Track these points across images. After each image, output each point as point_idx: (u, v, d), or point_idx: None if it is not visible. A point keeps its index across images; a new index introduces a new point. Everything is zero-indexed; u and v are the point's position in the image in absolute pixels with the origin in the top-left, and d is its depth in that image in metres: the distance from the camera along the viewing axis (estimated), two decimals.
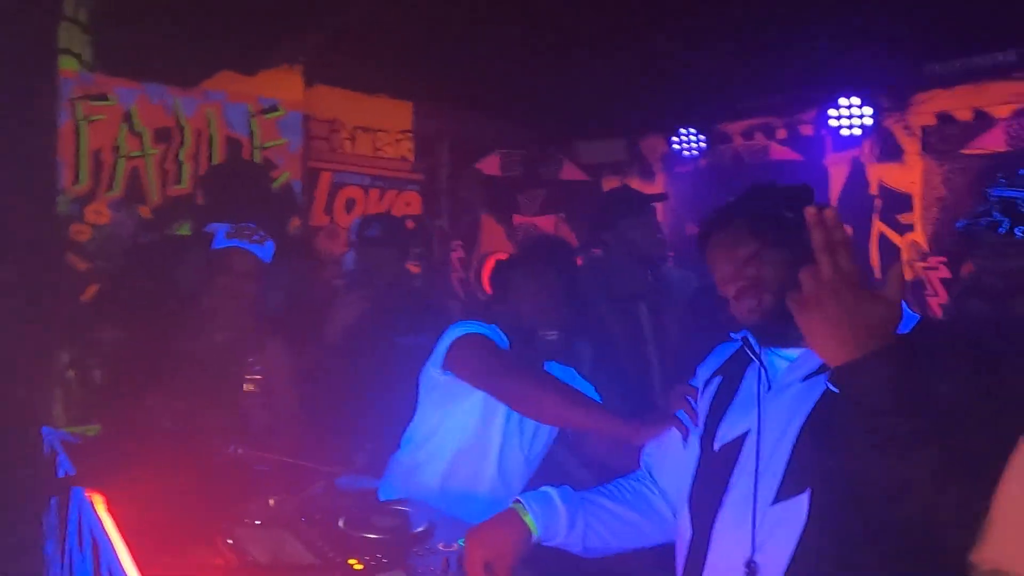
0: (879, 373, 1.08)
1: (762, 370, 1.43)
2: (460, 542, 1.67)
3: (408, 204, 4.90)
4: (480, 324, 2.16)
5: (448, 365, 2.12)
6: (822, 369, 1.29)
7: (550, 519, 1.51)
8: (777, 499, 1.31)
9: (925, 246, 4.14)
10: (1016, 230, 1.74)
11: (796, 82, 4.15)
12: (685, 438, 1.56)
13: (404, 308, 2.95)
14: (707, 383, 1.57)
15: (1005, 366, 1.23)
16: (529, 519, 1.51)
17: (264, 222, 2.71)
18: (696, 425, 1.56)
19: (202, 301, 2.56)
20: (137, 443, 2.19)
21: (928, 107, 3.99)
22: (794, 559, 1.27)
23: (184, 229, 3.85)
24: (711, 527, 1.40)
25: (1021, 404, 1.17)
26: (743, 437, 1.41)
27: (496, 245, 5.29)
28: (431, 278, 5.01)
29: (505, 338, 2.15)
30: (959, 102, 3.90)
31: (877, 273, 4.33)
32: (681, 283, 3.00)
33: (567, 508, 1.53)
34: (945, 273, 4.05)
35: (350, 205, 4.65)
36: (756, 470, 1.36)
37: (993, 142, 3.85)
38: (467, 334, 2.08)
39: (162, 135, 3.82)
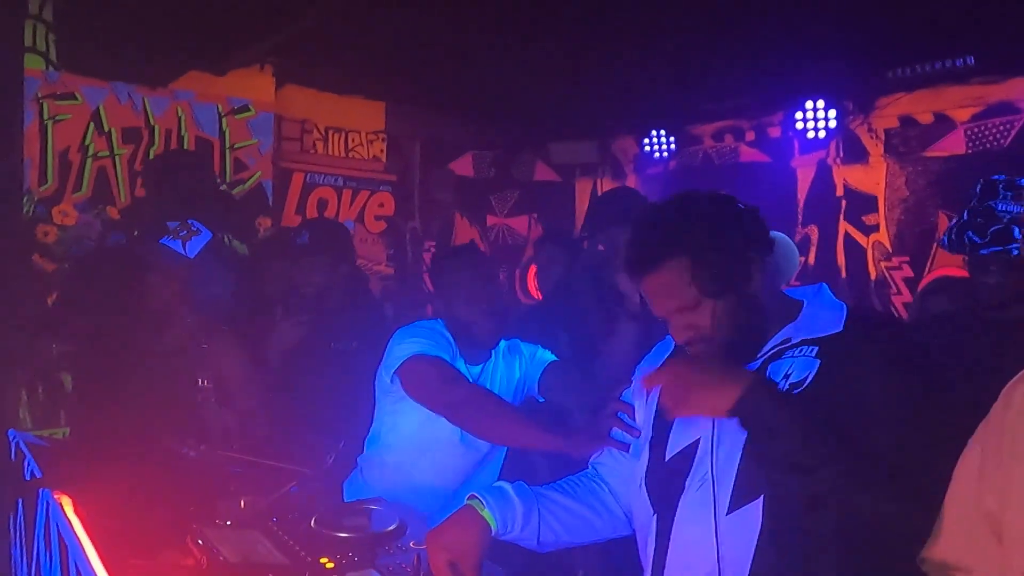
0: (759, 409, 1.23)
1: None
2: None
3: (381, 205, 4.90)
4: (423, 326, 2.21)
5: (401, 383, 2.15)
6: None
7: (506, 513, 1.51)
8: (731, 508, 1.33)
9: (889, 246, 4.23)
10: None
11: (763, 85, 4.21)
12: (627, 450, 1.58)
13: (339, 314, 2.96)
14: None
15: (927, 365, 1.30)
16: (487, 513, 1.51)
17: (208, 214, 2.71)
18: (636, 436, 1.57)
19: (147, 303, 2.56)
20: (104, 446, 2.18)
21: (890, 110, 4.08)
22: (753, 566, 1.31)
23: None
24: (668, 536, 1.42)
25: (945, 404, 1.24)
26: (695, 446, 1.41)
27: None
28: (402, 280, 5.02)
29: (448, 334, 2.20)
30: (920, 106, 3.99)
31: (843, 272, 4.42)
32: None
33: (522, 502, 1.54)
34: (908, 272, 4.14)
35: (322, 206, 4.64)
36: (712, 479, 1.37)
37: (953, 145, 3.94)
38: (418, 356, 2.10)
39: (131, 135, 3.78)
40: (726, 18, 3.38)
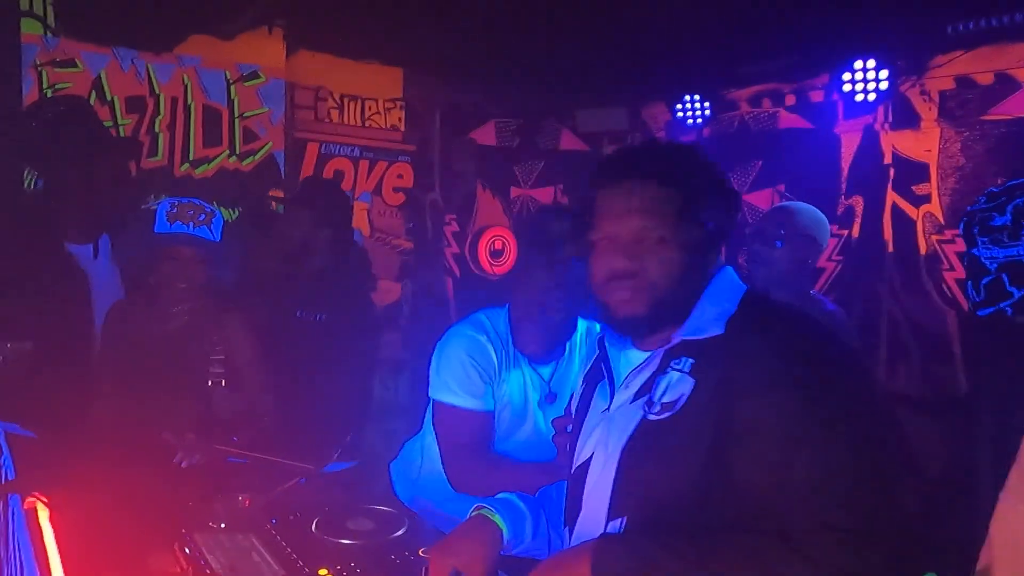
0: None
1: (609, 388, 1.37)
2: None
3: (399, 176, 4.70)
4: (468, 335, 1.94)
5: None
6: (641, 393, 1.30)
7: (517, 522, 1.46)
8: (606, 527, 1.30)
9: (941, 218, 3.94)
10: None
11: (806, 44, 3.92)
12: None
13: (312, 281, 2.81)
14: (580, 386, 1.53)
15: (808, 371, 1.17)
16: (497, 518, 1.44)
17: (101, 171, 2.54)
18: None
19: (144, 285, 2.42)
20: (88, 442, 2.05)
21: (947, 70, 3.76)
22: None
23: None
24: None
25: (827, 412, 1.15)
26: (588, 462, 1.37)
27: (492, 218, 5.09)
28: (422, 254, 4.84)
29: (508, 333, 1.95)
30: (979, 65, 3.66)
31: (889, 247, 4.14)
32: None
33: (530, 511, 1.49)
34: (962, 246, 3.84)
35: (338, 178, 4.45)
36: (593, 497, 1.34)
37: (1017, 107, 3.62)
38: (449, 409, 1.92)
39: (135, 104, 3.61)
40: None
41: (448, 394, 1.92)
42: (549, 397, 1.94)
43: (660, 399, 1.26)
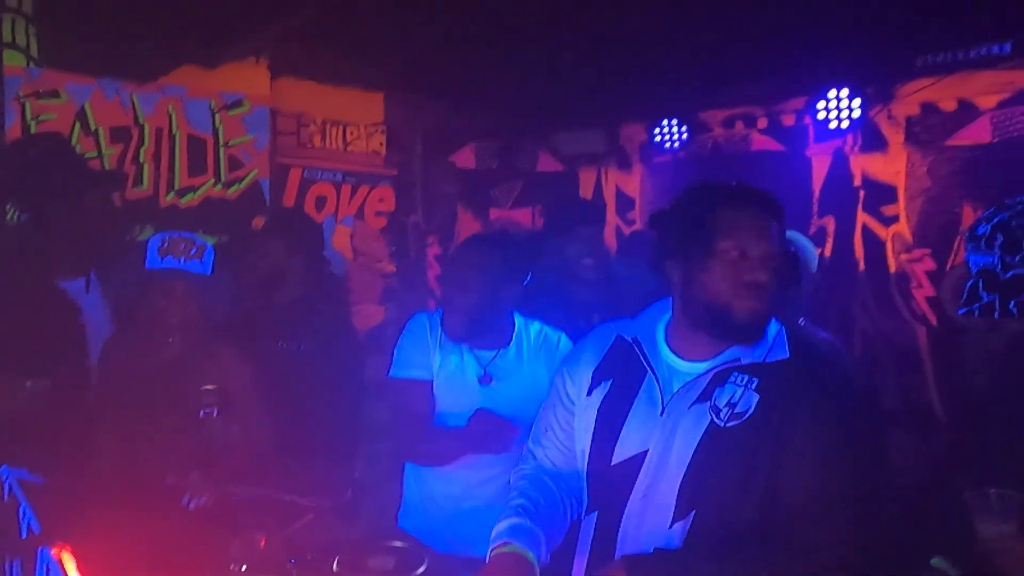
0: None
1: (659, 389, 1.52)
2: None
3: (381, 200, 4.72)
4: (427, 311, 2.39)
5: None
6: (702, 398, 1.48)
7: (537, 548, 1.55)
8: (674, 522, 1.46)
9: (910, 238, 4.10)
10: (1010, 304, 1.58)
11: (780, 71, 4.05)
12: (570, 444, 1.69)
13: (291, 310, 2.84)
14: (593, 385, 1.62)
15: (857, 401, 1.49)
16: (524, 550, 1.52)
17: (88, 206, 2.56)
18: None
19: (137, 320, 2.41)
20: (96, 485, 2.04)
21: (913, 97, 3.93)
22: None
23: (147, 233, 3.63)
24: (614, 536, 1.53)
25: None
26: (641, 457, 1.50)
27: None
28: (405, 277, 4.85)
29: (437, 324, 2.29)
30: (943, 92, 3.83)
31: (860, 265, 4.29)
32: (633, 282, 2.97)
33: (543, 532, 1.57)
34: (930, 265, 4.02)
35: (321, 203, 4.45)
36: (658, 492, 1.48)
37: (978, 133, 3.80)
38: (394, 381, 2.31)
39: (119, 134, 3.58)
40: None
41: (396, 368, 2.29)
42: (484, 378, 2.22)
43: (729, 409, 1.45)
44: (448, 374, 2.25)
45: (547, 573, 1.59)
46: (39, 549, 1.58)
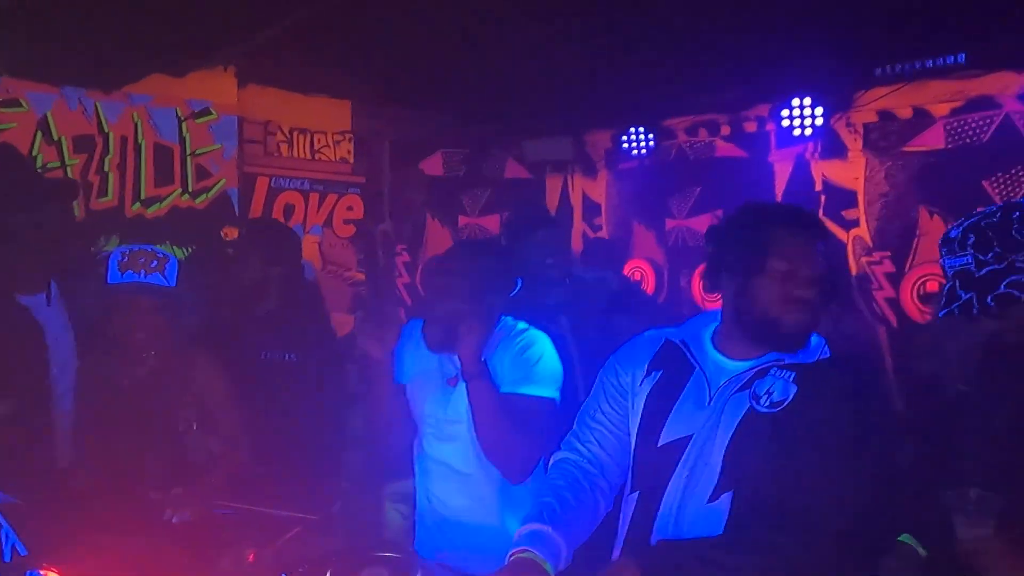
0: None
1: (706, 383, 1.65)
2: None
3: (350, 208, 4.69)
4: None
5: None
6: (743, 387, 1.60)
7: (556, 555, 1.58)
8: (712, 499, 1.56)
9: (869, 241, 4.23)
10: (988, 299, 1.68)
11: (742, 79, 4.15)
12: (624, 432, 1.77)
13: (272, 321, 2.83)
14: (644, 376, 1.73)
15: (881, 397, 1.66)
16: (548, 567, 1.55)
17: (46, 218, 2.51)
18: None
19: (105, 337, 2.37)
20: (75, 504, 2.00)
21: (870, 105, 4.06)
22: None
23: (112, 244, 3.55)
24: (654, 514, 1.62)
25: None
26: (687, 440, 1.61)
27: (442, 247, 5.13)
28: (376, 285, 4.84)
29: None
30: (899, 100, 3.97)
31: None
32: (598, 286, 3.06)
33: (564, 538, 1.61)
34: (889, 267, 4.15)
35: (289, 212, 4.41)
36: (701, 470, 1.58)
37: (933, 140, 3.94)
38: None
39: (83, 144, 3.51)
40: (710, 10, 3.29)
41: (396, 375, 2.30)
42: (452, 379, 2.19)
43: (768, 396, 1.57)
44: (421, 374, 2.24)
45: (586, 550, 1.66)
46: (27, 573, 1.54)
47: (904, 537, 1.88)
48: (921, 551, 1.82)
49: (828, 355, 1.61)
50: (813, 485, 1.51)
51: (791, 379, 1.58)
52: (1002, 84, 3.65)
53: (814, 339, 1.63)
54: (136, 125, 3.64)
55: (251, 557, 1.89)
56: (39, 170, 3.32)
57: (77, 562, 1.65)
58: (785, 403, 1.56)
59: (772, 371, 1.60)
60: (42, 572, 1.54)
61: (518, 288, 2.26)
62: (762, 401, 1.57)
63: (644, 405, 1.70)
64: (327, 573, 1.80)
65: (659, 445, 1.65)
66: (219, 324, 2.86)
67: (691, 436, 1.61)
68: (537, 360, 2.11)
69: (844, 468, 1.51)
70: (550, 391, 2.09)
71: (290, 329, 2.85)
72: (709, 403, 1.63)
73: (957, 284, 1.68)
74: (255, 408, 2.55)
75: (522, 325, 2.26)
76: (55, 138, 3.42)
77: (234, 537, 1.98)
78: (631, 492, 1.72)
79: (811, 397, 1.55)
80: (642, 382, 1.73)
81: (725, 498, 1.56)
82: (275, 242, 2.93)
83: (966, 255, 1.69)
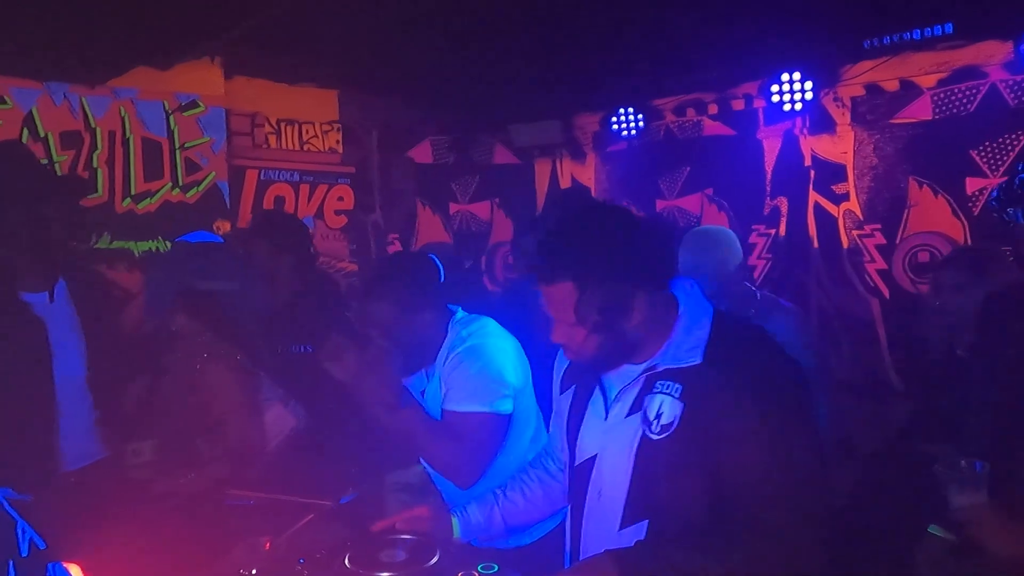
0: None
1: (603, 396, 1.58)
2: (480, 568, 1.61)
3: (340, 199, 4.66)
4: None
5: None
6: (633, 409, 1.50)
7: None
8: (622, 526, 1.50)
9: (860, 214, 4.26)
10: None
11: (730, 57, 4.16)
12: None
13: (290, 313, 2.82)
14: (563, 386, 1.71)
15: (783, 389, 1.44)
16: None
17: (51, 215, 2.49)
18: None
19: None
20: (98, 498, 1.99)
21: (857, 79, 4.08)
22: None
23: (103, 242, 3.51)
24: (579, 536, 1.60)
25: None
26: (592, 461, 1.57)
27: (433, 235, 5.13)
28: (368, 275, 4.81)
29: None
30: (886, 73, 4.00)
31: (815, 243, 4.44)
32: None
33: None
34: (881, 240, 4.19)
35: (279, 203, 4.38)
36: (607, 495, 1.53)
37: (920, 111, 3.98)
38: None
39: (70, 140, 3.45)
40: None
41: None
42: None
43: (657, 420, 1.46)
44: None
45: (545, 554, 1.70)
46: (49, 565, 1.53)
47: (933, 528, 1.87)
48: (950, 537, 1.82)
49: (699, 360, 1.45)
50: (741, 504, 1.40)
51: (677, 394, 1.45)
52: (988, 53, 3.68)
53: (689, 341, 1.48)
54: (123, 119, 3.59)
55: (267, 545, 1.89)
56: (44, 166, 3.27)
57: (95, 555, 1.64)
58: (674, 426, 1.44)
59: (657, 386, 1.48)
60: (64, 565, 1.53)
61: (435, 288, 2.15)
62: (653, 427, 1.46)
63: (567, 419, 1.66)
64: (345, 557, 1.81)
65: (575, 465, 1.62)
66: (242, 318, 2.82)
67: (596, 456, 1.56)
68: (474, 375, 2.03)
69: (763, 477, 1.38)
70: (486, 406, 2.01)
71: (309, 320, 2.82)
72: (606, 418, 1.56)
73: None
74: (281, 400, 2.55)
75: (465, 332, 2.11)
76: (42, 134, 3.37)
77: (248, 525, 1.98)
78: (568, 507, 1.69)
79: (698, 412, 1.43)
80: (563, 391, 1.70)
81: (642, 526, 1.48)
82: (281, 230, 2.91)
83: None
